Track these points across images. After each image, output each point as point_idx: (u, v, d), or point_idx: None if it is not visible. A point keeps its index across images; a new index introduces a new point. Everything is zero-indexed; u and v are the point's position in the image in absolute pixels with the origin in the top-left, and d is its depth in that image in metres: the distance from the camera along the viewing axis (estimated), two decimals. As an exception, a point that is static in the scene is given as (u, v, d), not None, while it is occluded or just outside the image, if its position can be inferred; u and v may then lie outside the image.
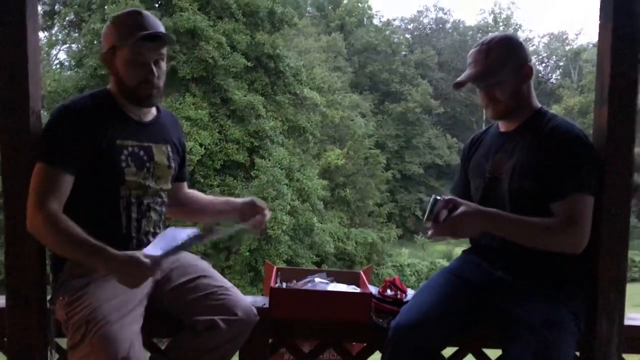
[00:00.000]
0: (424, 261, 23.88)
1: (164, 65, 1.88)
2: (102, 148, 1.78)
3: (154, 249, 1.68)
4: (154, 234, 1.94)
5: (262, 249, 14.85)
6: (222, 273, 15.21)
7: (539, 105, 1.97)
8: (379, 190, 26.26)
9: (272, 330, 2.00)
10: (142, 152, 1.87)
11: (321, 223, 18.15)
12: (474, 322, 1.92)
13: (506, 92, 1.89)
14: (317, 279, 2.06)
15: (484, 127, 2.21)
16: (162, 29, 1.86)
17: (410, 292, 2.09)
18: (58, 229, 1.65)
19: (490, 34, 1.95)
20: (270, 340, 2.03)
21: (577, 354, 1.91)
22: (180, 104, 15.04)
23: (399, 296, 2.05)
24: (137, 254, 1.63)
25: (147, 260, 1.61)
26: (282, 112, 17.69)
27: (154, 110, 1.97)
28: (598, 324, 1.87)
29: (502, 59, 1.87)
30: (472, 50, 1.94)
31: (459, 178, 2.19)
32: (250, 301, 1.92)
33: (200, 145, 14.95)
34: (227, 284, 1.91)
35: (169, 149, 1.97)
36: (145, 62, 1.80)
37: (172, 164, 1.97)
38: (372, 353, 2.06)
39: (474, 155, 2.09)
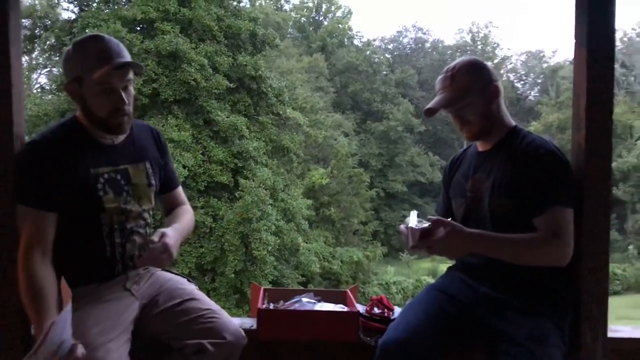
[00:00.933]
0: (409, 279, 23.88)
1: (131, 89, 1.82)
2: (77, 179, 1.75)
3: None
4: (140, 257, 1.93)
5: (247, 270, 14.73)
6: (207, 295, 15.01)
7: (514, 123, 2.02)
8: (364, 208, 26.27)
9: (261, 352, 1.99)
10: (118, 176, 1.84)
11: (306, 243, 18.09)
12: (461, 337, 1.93)
13: (476, 114, 1.93)
14: (304, 299, 2.06)
15: (465, 145, 2.26)
16: (126, 53, 1.78)
17: (397, 310, 2.11)
18: (28, 288, 1.66)
19: (457, 59, 2.01)
20: None
21: (563, 367, 1.93)
22: (163, 125, 14.97)
23: (386, 314, 2.07)
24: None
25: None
26: (266, 133, 17.71)
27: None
28: (582, 336, 1.90)
29: (467, 82, 1.92)
30: (438, 78, 2.01)
31: (442, 197, 2.23)
32: (237, 323, 1.92)
33: (184, 167, 14.84)
34: (215, 306, 1.90)
35: (148, 165, 1.93)
36: (114, 90, 1.75)
37: (153, 181, 1.94)
38: (360, 372, 2.06)
39: (455, 174, 2.13)
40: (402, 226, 1.86)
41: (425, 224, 1.80)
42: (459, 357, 2.01)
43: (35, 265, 1.66)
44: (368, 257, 22.27)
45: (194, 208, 14.25)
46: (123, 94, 1.77)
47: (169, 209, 2.09)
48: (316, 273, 18.34)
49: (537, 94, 46.54)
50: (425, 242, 1.78)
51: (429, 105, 1.96)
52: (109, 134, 1.84)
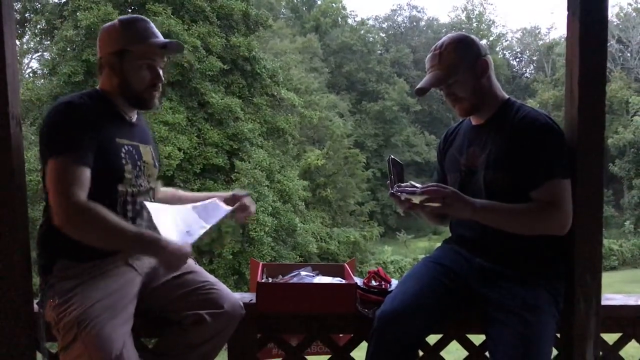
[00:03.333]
0: (406, 258, 24.02)
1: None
2: (104, 144, 1.78)
3: (192, 227, 1.85)
4: None
5: (245, 252, 14.79)
6: (206, 277, 15.11)
7: (507, 96, 2.02)
8: (360, 189, 26.33)
9: (260, 325, 2.02)
10: (134, 151, 1.89)
11: (303, 223, 18.14)
12: (457, 308, 1.96)
13: (467, 90, 1.94)
14: (302, 273, 2.09)
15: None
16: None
17: (394, 282, 2.13)
18: (100, 221, 1.66)
19: (445, 36, 2.01)
20: (258, 336, 2.05)
21: (557, 335, 1.97)
22: (157, 108, 14.87)
23: (383, 286, 2.09)
24: (183, 244, 1.76)
25: (190, 250, 1.78)
26: (260, 114, 17.64)
27: (136, 112, 1.99)
28: (576, 305, 1.93)
29: (455, 59, 1.92)
30: (427, 57, 2.00)
31: (437, 173, 2.24)
32: (237, 297, 1.95)
33: (179, 149, 14.82)
34: (213, 279, 1.95)
35: (151, 149, 2.00)
36: (154, 66, 1.87)
37: (156, 164, 2.00)
38: (359, 343, 2.08)
39: (449, 149, 2.14)
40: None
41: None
42: (455, 327, 2.04)
43: (86, 201, 1.67)
44: (365, 237, 22.43)
45: (190, 191, 14.26)
46: (161, 73, 1.90)
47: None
48: (314, 253, 18.44)
49: (533, 72, 46.43)
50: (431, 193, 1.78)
51: (418, 85, 1.96)
52: (139, 108, 1.94)
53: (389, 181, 1.89)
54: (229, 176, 15.84)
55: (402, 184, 1.83)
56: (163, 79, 1.92)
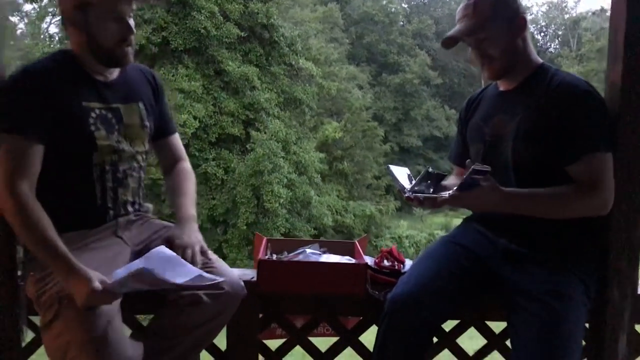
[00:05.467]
0: (422, 233, 23.94)
1: (133, 22, 1.72)
2: (68, 111, 1.61)
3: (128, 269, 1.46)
4: (133, 203, 1.81)
5: (259, 222, 14.80)
6: (219, 247, 15.31)
7: (540, 60, 1.83)
8: (377, 163, 26.15)
9: (262, 304, 1.90)
10: (110, 115, 1.71)
11: (319, 196, 18.07)
12: (476, 293, 1.82)
13: (499, 48, 1.75)
14: (308, 250, 1.92)
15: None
16: None
17: (408, 263, 1.98)
18: (26, 221, 1.51)
19: None
20: (260, 315, 1.93)
21: (587, 325, 1.80)
22: (173, 75, 14.76)
23: (396, 267, 1.94)
24: (97, 277, 1.45)
25: (99, 287, 1.43)
26: (278, 84, 17.39)
27: (117, 70, 1.79)
28: (609, 294, 1.78)
29: (491, 11, 1.73)
30: (460, 6, 1.81)
31: (456, 143, 2.06)
32: (238, 274, 1.81)
33: (195, 118, 14.72)
34: (212, 256, 1.79)
35: (141, 106, 1.81)
36: (121, 18, 1.65)
37: (147, 123, 1.82)
38: (368, 327, 1.95)
39: (472, 117, 1.95)
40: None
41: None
42: (474, 314, 1.89)
43: (24, 194, 1.51)
44: (381, 211, 22.45)
45: (205, 160, 14.29)
46: (130, 23, 1.68)
47: (167, 164, 1.97)
48: (329, 226, 18.50)
49: (558, 47, 45.24)
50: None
51: (447, 34, 1.78)
52: (110, 66, 1.73)
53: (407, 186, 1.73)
54: (245, 146, 15.76)
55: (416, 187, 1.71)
56: (134, 30, 1.70)
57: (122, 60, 1.70)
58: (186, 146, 14.98)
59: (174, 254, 1.58)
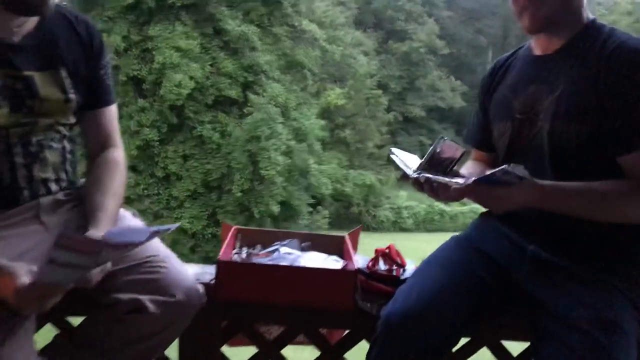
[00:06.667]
0: (422, 204, 23.82)
1: None
2: None
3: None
4: (57, 181, 1.42)
5: (255, 190, 14.55)
6: (213, 212, 15.09)
7: (592, 16, 1.42)
8: (380, 132, 26.02)
9: (226, 311, 1.53)
10: (18, 84, 1.30)
11: (318, 164, 17.81)
12: (496, 312, 1.45)
13: None
14: (283, 249, 1.52)
15: (490, 66, 1.66)
16: None
17: (410, 267, 1.59)
18: None
19: None
20: (223, 324, 1.57)
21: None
22: (170, 32, 14.23)
23: (394, 272, 1.55)
24: (22, 270, 1.14)
25: (25, 282, 1.12)
26: (279, 46, 16.88)
27: (31, 23, 1.36)
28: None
29: None
30: None
31: (476, 121, 1.66)
32: (196, 273, 1.47)
33: (191, 78, 14.32)
34: (165, 251, 1.40)
35: (64, 73, 1.38)
36: None
37: (71, 95, 1.38)
38: (357, 342, 1.58)
39: (498, 88, 1.55)
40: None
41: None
42: (490, 338, 1.51)
43: None
44: (381, 181, 22.54)
45: (201, 123, 13.90)
46: None
47: (92, 147, 1.51)
48: (327, 195, 18.30)
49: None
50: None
51: None
52: (21, 13, 1.29)
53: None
54: (242, 110, 15.36)
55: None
56: None
57: (38, 7, 1.27)
58: (181, 107, 14.71)
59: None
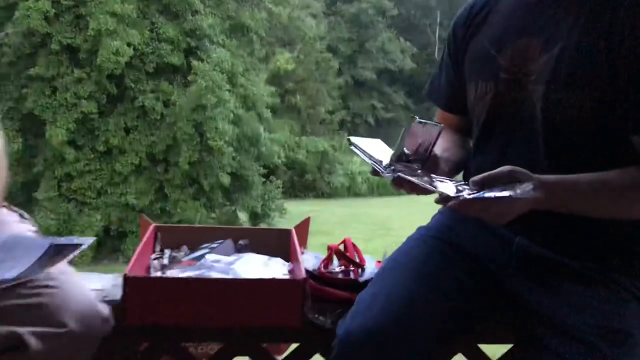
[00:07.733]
0: (375, 169, 23.81)
1: None
2: None
3: None
4: None
5: (203, 161, 14.06)
6: (160, 186, 14.51)
7: None
8: (331, 96, 25.79)
9: (143, 331, 1.21)
10: None
11: (269, 132, 17.41)
12: (477, 321, 1.21)
13: None
14: (210, 257, 1.19)
15: (437, 32, 1.34)
16: None
17: (371, 265, 1.31)
18: None
19: None
20: (143, 346, 1.26)
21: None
22: (103, -5, 13.31)
23: (352, 274, 1.26)
24: None
25: None
26: (223, 8, 16.13)
27: None
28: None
29: None
30: None
31: (445, 77, 1.35)
32: (105, 289, 1.18)
33: (129, 45, 13.50)
34: (58, 267, 1.11)
35: None
36: None
37: None
38: (309, 356, 1.30)
39: (476, 37, 1.25)
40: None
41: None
42: (471, 355, 1.27)
43: None
44: (334, 147, 22.34)
45: (143, 92, 13.23)
46: None
47: None
48: (280, 164, 18.06)
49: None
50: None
51: None
52: None
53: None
54: (186, 78, 14.69)
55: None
56: None
57: None
58: (121, 77, 13.91)
59: None
